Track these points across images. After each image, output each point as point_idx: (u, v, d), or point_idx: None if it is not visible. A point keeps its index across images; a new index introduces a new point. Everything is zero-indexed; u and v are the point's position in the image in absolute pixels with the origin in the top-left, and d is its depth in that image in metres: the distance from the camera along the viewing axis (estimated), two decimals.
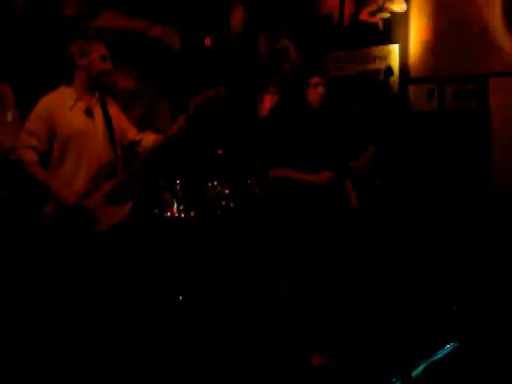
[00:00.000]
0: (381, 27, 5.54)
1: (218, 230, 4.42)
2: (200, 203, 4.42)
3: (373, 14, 5.52)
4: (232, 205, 4.48)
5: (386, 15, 5.48)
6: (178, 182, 4.33)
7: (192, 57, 5.24)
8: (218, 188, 4.47)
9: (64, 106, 3.15)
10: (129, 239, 3.26)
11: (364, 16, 5.57)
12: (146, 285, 3.47)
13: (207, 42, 5.21)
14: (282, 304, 3.78)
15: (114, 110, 3.32)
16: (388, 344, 3.64)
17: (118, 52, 3.43)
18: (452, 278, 4.64)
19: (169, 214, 4.27)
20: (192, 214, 4.32)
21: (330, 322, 3.59)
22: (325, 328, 3.59)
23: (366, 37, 5.59)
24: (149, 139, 3.32)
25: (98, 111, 3.23)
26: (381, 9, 5.46)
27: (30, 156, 3.09)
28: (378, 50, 5.57)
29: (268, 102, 4.77)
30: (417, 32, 5.51)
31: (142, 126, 3.48)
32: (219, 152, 4.72)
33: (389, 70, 4.71)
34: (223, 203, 4.47)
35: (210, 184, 4.48)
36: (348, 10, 5.62)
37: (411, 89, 5.48)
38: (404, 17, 5.48)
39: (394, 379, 3.26)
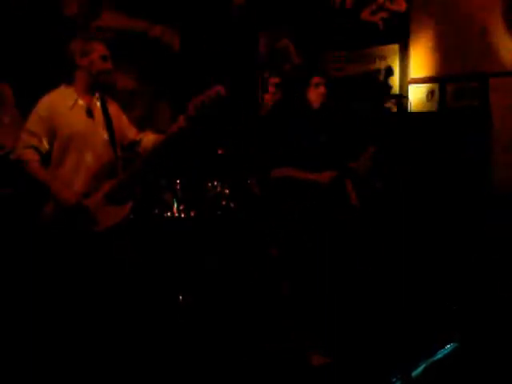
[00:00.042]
0: (381, 27, 5.54)
1: (218, 230, 4.42)
2: (200, 203, 4.42)
3: (373, 13, 5.52)
4: (232, 205, 4.47)
5: (387, 15, 5.48)
6: (178, 181, 4.33)
7: (192, 57, 5.25)
8: (218, 188, 4.47)
9: (64, 105, 3.15)
10: (129, 239, 3.26)
11: (365, 16, 5.57)
12: (145, 285, 3.47)
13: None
14: (282, 304, 3.78)
15: (114, 110, 3.32)
16: (388, 344, 3.63)
17: (119, 52, 3.43)
18: (452, 278, 4.63)
19: (169, 213, 4.27)
20: (192, 213, 4.32)
21: (329, 321, 3.59)
22: (325, 328, 3.59)
23: (366, 36, 5.59)
24: (149, 139, 3.32)
25: (98, 111, 3.23)
26: (381, 8, 5.46)
27: (31, 156, 3.09)
28: (378, 49, 5.57)
29: (268, 101, 4.77)
30: (417, 32, 5.51)
31: (141, 126, 3.48)
32: (219, 152, 4.71)
33: (389, 70, 4.71)
34: (223, 203, 4.47)
35: (210, 184, 4.48)
36: None
37: (411, 89, 5.48)
38: (404, 17, 5.48)
39: (394, 379, 3.26)
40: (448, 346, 3.68)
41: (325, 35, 5.66)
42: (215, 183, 4.47)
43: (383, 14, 5.46)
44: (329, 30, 5.66)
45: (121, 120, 3.36)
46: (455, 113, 5.26)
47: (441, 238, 4.90)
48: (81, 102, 3.19)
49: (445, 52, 5.36)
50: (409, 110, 5.22)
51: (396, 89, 5.44)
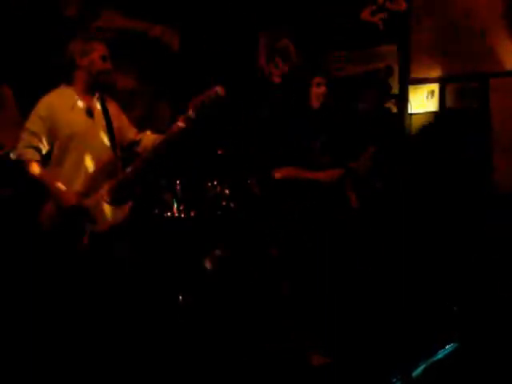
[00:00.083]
0: (381, 27, 5.53)
1: (218, 230, 4.42)
2: (200, 203, 4.42)
3: (373, 13, 5.51)
4: (232, 205, 4.47)
5: (386, 15, 5.47)
6: (178, 182, 4.33)
7: (192, 57, 5.24)
8: (218, 188, 4.47)
9: (64, 105, 3.15)
10: (129, 239, 3.26)
11: (364, 16, 5.57)
12: (145, 285, 3.47)
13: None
14: (282, 304, 3.78)
15: (113, 110, 3.33)
16: (388, 344, 3.63)
17: (118, 52, 3.43)
18: (452, 278, 4.63)
19: (169, 214, 4.26)
20: (192, 214, 4.32)
21: (329, 321, 3.59)
22: (325, 328, 3.59)
23: (366, 37, 5.59)
24: (149, 139, 3.32)
25: (98, 111, 3.24)
26: (381, 9, 5.46)
27: (31, 156, 3.09)
28: (378, 49, 5.57)
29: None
30: (417, 32, 5.50)
31: (141, 126, 3.48)
32: (219, 152, 4.71)
33: (389, 70, 4.71)
34: (223, 203, 4.47)
35: (209, 184, 4.48)
36: None
37: (411, 89, 5.47)
38: (404, 17, 5.48)
39: (394, 379, 3.26)
40: (448, 346, 3.68)
41: (325, 35, 5.65)
42: (215, 183, 4.47)
43: (383, 15, 5.45)
44: (329, 30, 5.65)
45: (121, 120, 3.36)
46: (455, 113, 5.26)
47: (441, 238, 4.89)
48: (81, 102, 3.19)
49: (445, 52, 5.36)
50: (409, 110, 5.22)
51: (396, 89, 5.44)
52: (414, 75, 5.51)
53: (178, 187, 4.31)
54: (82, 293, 3.08)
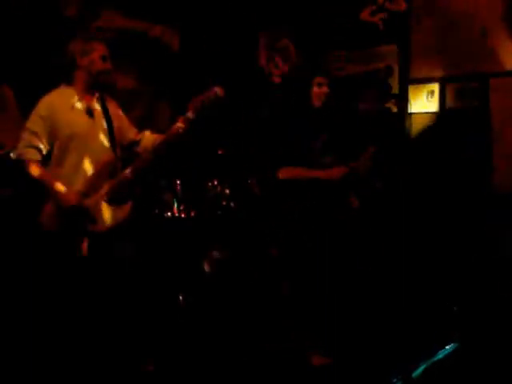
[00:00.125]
0: (381, 27, 5.53)
1: (218, 230, 4.42)
2: (200, 203, 4.42)
3: (373, 14, 5.51)
4: (232, 205, 4.48)
5: (386, 15, 5.47)
6: (178, 182, 4.33)
7: (192, 57, 5.24)
8: (218, 188, 4.48)
9: (64, 105, 3.15)
10: (129, 239, 3.26)
11: (364, 16, 5.57)
12: (146, 285, 3.47)
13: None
14: (282, 304, 3.78)
15: (114, 110, 3.33)
16: (388, 344, 3.63)
17: (119, 52, 3.43)
18: (452, 278, 4.63)
19: (169, 213, 4.27)
20: (192, 214, 4.33)
21: (329, 321, 3.59)
22: (325, 328, 3.59)
23: (366, 37, 5.59)
24: (149, 139, 3.32)
25: (98, 111, 3.24)
26: (381, 9, 5.46)
27: (31, 155, 3.09)
28: (377, 49, 5.57)
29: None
30: (417, 32, 5.50)
31: (141, 126, 3.48)
32: (219, 152, 4.72)
33: (389, 70, 4.71)
34: (223, 203, 4.47)
35: (210, 184, 4.48)
36: None
37: (411, 89, 5.47)
38: (404, 17, 5.48)
39: (395, 380, 3.26)
40: (448, 346, 3.68)
41: (325, 35, 5.66)
42: (215, 183, 4.47)
43: (383, 15, 5.45)
44: (329, 30, 5.65)
45: (121, 120, 3.36)
46: (455, 113, 5.26)
47: (441, 238, 4.89)
48: (81, 101, 3.19)
49: (445, 52, 5.35)
50: (409, 110, 5.22)
51: (396, 89, 5.43)
52: (413, 75, 5.51)
53: (179, 187, 4.31)
54: (83, 293, 3.08)
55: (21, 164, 3.11)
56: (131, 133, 3.38)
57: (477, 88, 5.18)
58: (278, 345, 3.70)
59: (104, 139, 3.21)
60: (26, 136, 3.11)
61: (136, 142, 3.36)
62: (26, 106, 3.32)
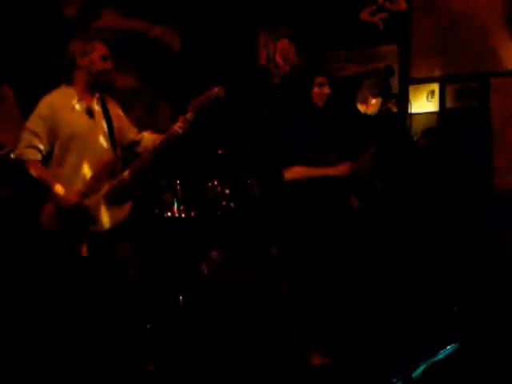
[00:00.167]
0: (381, 27, 5.54)
1: (218, 230, 4.42)
2: (200, 203, 4.42)
3: (373, 14, 5.51)
4: (232, 205, 4.48)
5: (386, 15, 5.47)
6: (178, 182, 4.33)
7: (192, 57, 5.25)
8: (218, 188, 4.48)
9: (65, 105, 3.15)
10: (129, 239, 3.26)
11: (364, 16, 5.57)
12: (146, 285, 3.47)
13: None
14: (282, 304, 3.78)
15: (114, 110, 3.33)
16: (388, 344, 3.63)
17: (119, 52, 3.43)
18: (452, 278, 4.63)
19: (169, 213, 4.27)
20: (192, 214, 4.32)
21: (329, 321, 3.59)
22: (325, 328, 3.59)
23: (366, 37, 5.59)
24: (149, 139, 3.32)
25: (98, 111, 3.23)
26: (381, 9, 5.46)
27: (32, 155, 3.09)
28: (378, 49, 5.57)
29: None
30: (417, 32, 5.50)
31: (141, 126, 3.48)
32: (219, 152, 4.72)
33: (389, 70, 4.71)
34: (223, 203, 4.47)
35: (210, 184, 4.48)
36: None
37: (411, 89, 5.48)
38: (404, 17, 5.48)
39: (395, 380, 3.26)
40: (449, 346, 3.68)
41: (325, 35, 5.66)
42: (215, 183, 4.47)
43: (383, 15, 5.45)
44: (329, 30, 5.66)
45: (121, 120, 3.36)
46: (455, 113, 5.26)
47: (441, 237, 4.90)
48: (81, 101, 3.19)
49: (445, 52, 5.36)
50: (409, 110, 5.22)
51: (396, 89, 5.44)
52: (413, 75, 5.51)
53: (179, 187, 4.31)
54: (83, 293, 3.08)
55: (21, 164, 3.11)
56: (131, 133, 3.38)
57: (477, 88, 5.19)
58: (278, 345, 3.70)
59: (104, 139, 3.21)
60: (26, 136, 3.11)
61: (136, 142, 3.36)
62: (26, 106, 3.32)
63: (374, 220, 4.34)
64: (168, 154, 3.24)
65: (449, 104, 5.33)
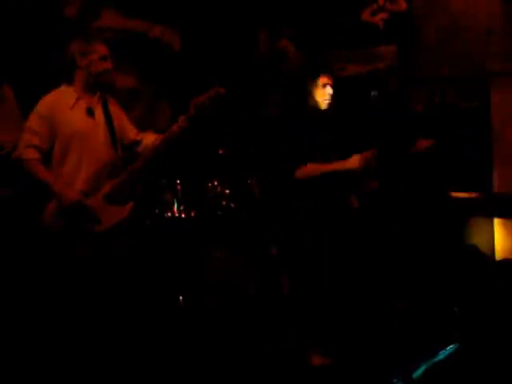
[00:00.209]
0: (381, 27, 5.54)
1: (218, 230, 4.42)
2: (200, 203, 4.42)
3: (374, 14, 5.51)
4: (232, 205, 4.47)
5: (387, 15, 5.47)
6: (178, 182, 4.33)
7: (192, 57, 5.24)
8: (219, 188, 4.47)
9: (65, 105, 3.16)
10: (129, 239, 3.26)
11: (365, 16, 5.57)
12: (146, 285, 3.47)
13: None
14: (282, 304, 3.78)
15: (115, 110, 3.33)
16: (389, 344, 3.63)
17: (119, 52, 3.43)
18: (452, 278, 4.63)
19: (169, 214, 4.26)
20: (192, 214, 4.32)
21: (330, 321, 3.59)
22: (325, 328, 3.59)
23: (366, 37, 5.59)
24: (149, 139, 3.32)
25: (98, 111, 3.24)
26: (382, 9, 5.46)
27: (32, 155, 3.09)
28: (378, 50, 5.57)
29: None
30: (417, 32, 5.51)
31: (141, 126, 3.48)
32: (219, 152, 4.71)
33: (389, 70, 4.70)
34: (223, 203, 4.47)
35: (210, 184, 4.48)
36: None
37: (411, 89, 5.47)
38: (404, 17, 5.48)
39: (395, 380, 3.26)
40: (449, 346, 3.68)
41: (325, 35, 5.66)
42: (215, 183, 4.47)
43: (384, 15, 5.45)
44: (329, 30, 5.65)
45: (122, 120, 3.36)
46: (455, 113, 5.26)
47: (441, 237, 4.89)
48: (81, 101, 3.19)
49: (445, 52, 5.36)
50: (408, 110, 5.22)
51: (396, 89, 5.43)
52: (413, 75, 5.51)
53: (179, 187, 4.31)
54: (83, 293, 3.08)
55: (21, 164, 3.11)
56: (132, 133, 3.38)
57: (477, 88, 5.19)
58: (278, 345, 3.70)
59: (104, 139, 3.21)
60: (26, 136, 3.12)
61: (137, 142, 3.36)
62: (26, 106, 3.32)
63: (374, 220, 4.34)
64: (168, 153, 3.25)
65: (449, 104, 5.33)
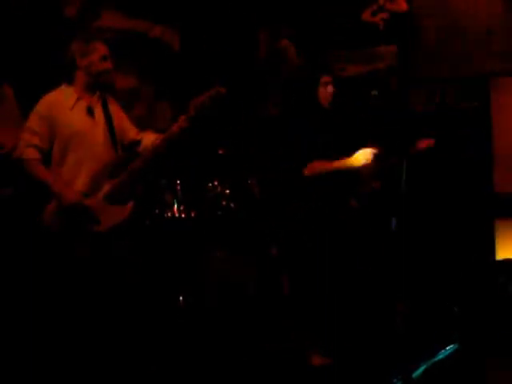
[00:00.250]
0: (381, 27, 5.53)
1: (218, 230, 4.42)
2: (200, 203, 4.42)
3: (374, 14, 5.51)
4: (232, 205, 4.47)
5: (387, 15, 5.47)
6: (178, 182, 4.33)
7: (192, 57, 5.24)
8: (219, 188, 4.47)
9: (65, 105, 3.16)
10: (129, 239, 3.26)
11: (365, 16, 5.57)
12: (145, 285, 3.47)
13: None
14: (282, 304, 3.78)
15: (115, 110, 3.33)
16: (388, 344, 3.63)
17: (119, 52, 3.43)
18: (452, 279, 4.63)
19: (169, 214, 4.26)
20: (192, 214, 4.32)
21: (330, 321, 3.59)
22: (325, 328, 3.59)
23: (366, 37, 5.59)
24: (149, 139, 3.32)
25: (98, 110, 3.24)
26: (382, 9, 5.46)
27: (32, 155, 3.10)
28: (378, 49, 5.57)
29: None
30: (417, 32, 5.50)
31: (141, 126, 3.48)
32: (219, 152, 4.71)
33: (389, 70, 4.70)
34: (223, 203, 4.47)
35: (210, 184, 4.48)
36: None
37: (411, 89, 5.47)
38: (404, 17, 5.48)
39: (395, 380, 3.25)
40: (449, 347, 3.68)
41: (325, 35, 5.66)
42: (215, 183, 4.47)
43: (384, 15, 5.45)
44: (329, 30, 5.65)
45: (122, 119, 3.36)
46: (455, 113, 5.25)
47: (441, 237, 4.89)
48: (81, 101, 3.19)
49: (445, 52, 5.36)
50: (409, 110, 5.22)
51: (396, 89, 5.43)
52: (413, 75, 5.51)
53: (179, 187, 4.31)
54: (83, 293, 3.08)
55: (21, 164, 3.11)
56: (132, 132, 3.38)
57: (477, 88, 5.18)
58: (278, 345, 3.70)
59: (104, 139, 3.21)
60: (26, 135, 3.12)
61: (137, 142, 3.36)
62: (26, 106, 3.32)
63: (374, 220, 4.34)
64: (168, 153, 3.25)
65: (449, 104, 5.32)
